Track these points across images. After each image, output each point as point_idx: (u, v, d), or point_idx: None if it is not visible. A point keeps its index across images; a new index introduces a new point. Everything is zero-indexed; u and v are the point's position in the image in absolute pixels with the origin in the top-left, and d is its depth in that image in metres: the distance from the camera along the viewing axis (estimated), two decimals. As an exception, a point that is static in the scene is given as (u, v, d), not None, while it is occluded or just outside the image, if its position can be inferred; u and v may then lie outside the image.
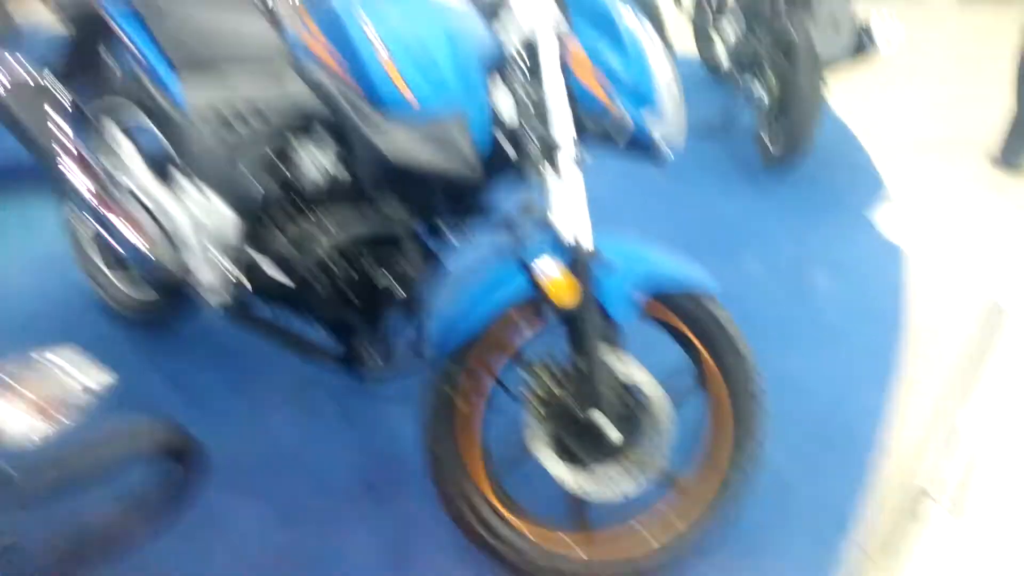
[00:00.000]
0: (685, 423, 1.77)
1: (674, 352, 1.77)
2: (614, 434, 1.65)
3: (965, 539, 1.37)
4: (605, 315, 1.63)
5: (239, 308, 1.97)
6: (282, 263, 1.75)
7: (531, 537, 1.74)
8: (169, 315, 2.42)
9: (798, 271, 2.92)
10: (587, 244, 1.61)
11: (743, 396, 1.75)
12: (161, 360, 2.38)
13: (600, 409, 1.64)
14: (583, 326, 1.62)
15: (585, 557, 1.74)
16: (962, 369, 1.28)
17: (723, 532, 1.84)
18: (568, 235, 1.61)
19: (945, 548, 1.37)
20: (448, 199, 1.79)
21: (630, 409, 1.69)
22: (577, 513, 1.77)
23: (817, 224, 3.23)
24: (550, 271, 1.61)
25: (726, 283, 2.92)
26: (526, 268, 1.62)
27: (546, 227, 1.64)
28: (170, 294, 2.29)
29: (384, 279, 1.81)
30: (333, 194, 1.83)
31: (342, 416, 2.20)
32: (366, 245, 1.80)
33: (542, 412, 1.68)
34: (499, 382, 1.77)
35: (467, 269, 1.75)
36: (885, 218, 1.10)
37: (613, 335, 1.72)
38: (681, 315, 1.71)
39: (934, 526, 1.32)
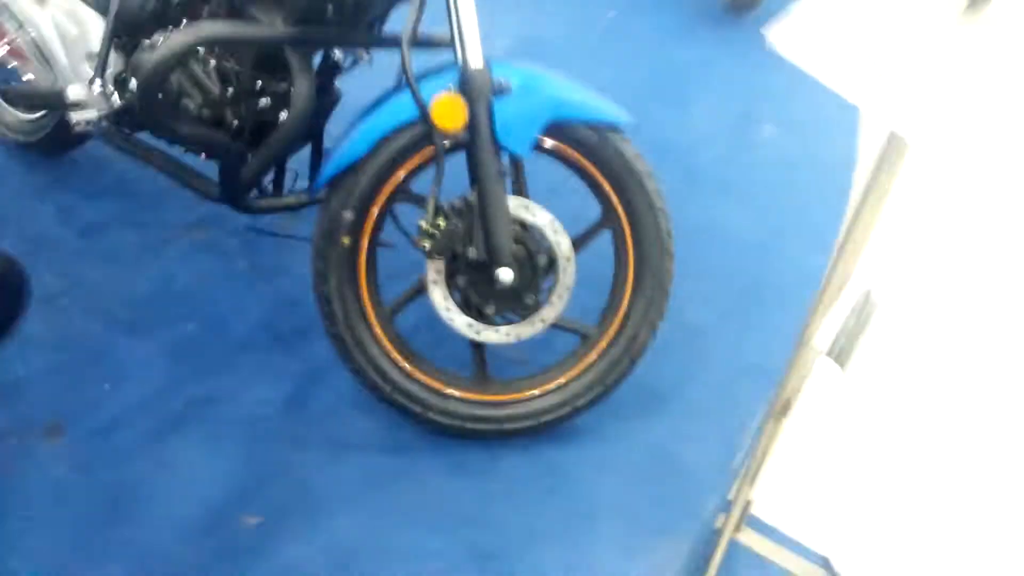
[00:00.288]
0: (597, 269, 1.67)
1: (582, 192, 1.64)
2: (507, 276, 1.54)
3: (848, 391, 1.30)
4: (501, 145, 1.49)
5: (116, 130, 1.81)
6: (151, 77, 1.56)
7: (423, 380, 1.66)
8: (63, 141, 2.24)
9: (747, 123, 2.75)
10: (477, 63, 1.44)
11: (650, 239, 1.63)
12: (53, 191, 2.22)
13: (493, 247, 1.52)
14: (474, 154, 1.48)
15: (479, 400, 1.66)
16: (858, 213, 1.17)
17: (629, 384, 1.78)
18: (458, 54, 1.45)
19: (829, 401, 1.30)
20: (335, 14, 1.58)
21: (528, 249, 1.57)
22: (477, 359, 1.69)
23: (772, 75, 3.04)
24: (434, 92, 1.45)
25: (671, 131, 2.74)
26: (411, 90, 1.46)
27: (434, 46, 1.47)
28: (55, 118, 2.10)
29: (267, 102, 1.64)
30: (210, 3, 1.63)
31: (246, 256, 2.08)
32: (246, 64, 1.62)
33: (434, 251, 1.55)
34: (393, 218, 1.64)
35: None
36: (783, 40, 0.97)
37: (513, 169, 1.58)
38: (584, 149, 1.57)
39: (819, 378, 1.24)
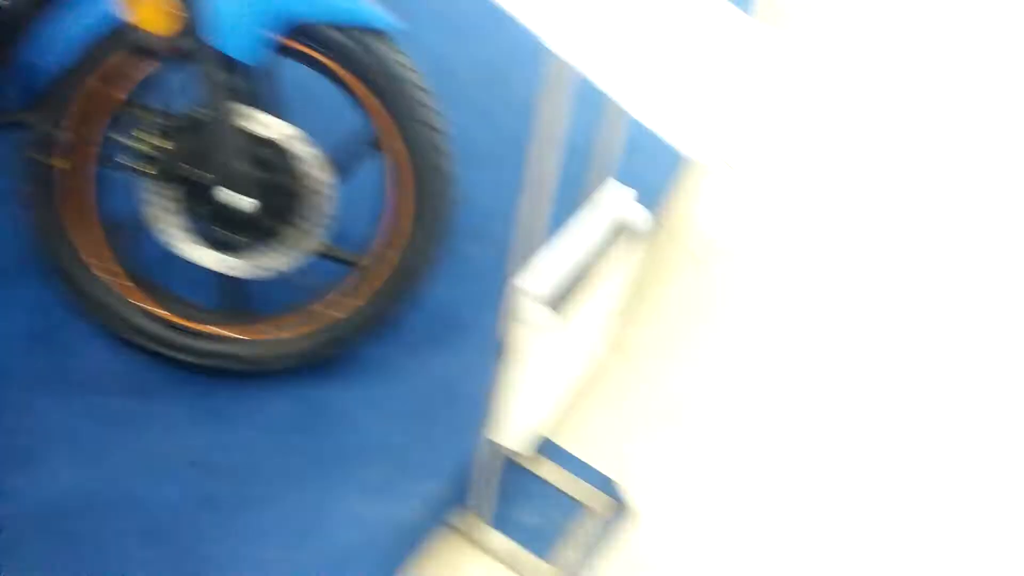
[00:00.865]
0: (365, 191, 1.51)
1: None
2: (244, 201, 1.37)
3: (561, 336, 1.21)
4: (220, 50, 1.30)
5: None
6: None
7: (163, 316, 1.52)
8: None
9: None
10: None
11: (426, 161, 1.46)
12: None
13: (219, 169, 1.35)
14: (196, 64, 1.30)
15: (234, 338, 1.53)
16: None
17: (425, 314, 1.65)
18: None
19: (542, 345, 1.20)
20: None
21: (273, 170, 1.40)
22: (229, 292, 1.54)
23: None
24: (136, -11, 1.26)
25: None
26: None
27: None
28: None
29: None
30: None
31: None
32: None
33: (155, 173, 1.38)
34: (118, 136, 1.45)
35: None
36: None
37: (263, 81, 1.40)
38: (337, 56, 1.38)
39: (533, 323, 1.14)
